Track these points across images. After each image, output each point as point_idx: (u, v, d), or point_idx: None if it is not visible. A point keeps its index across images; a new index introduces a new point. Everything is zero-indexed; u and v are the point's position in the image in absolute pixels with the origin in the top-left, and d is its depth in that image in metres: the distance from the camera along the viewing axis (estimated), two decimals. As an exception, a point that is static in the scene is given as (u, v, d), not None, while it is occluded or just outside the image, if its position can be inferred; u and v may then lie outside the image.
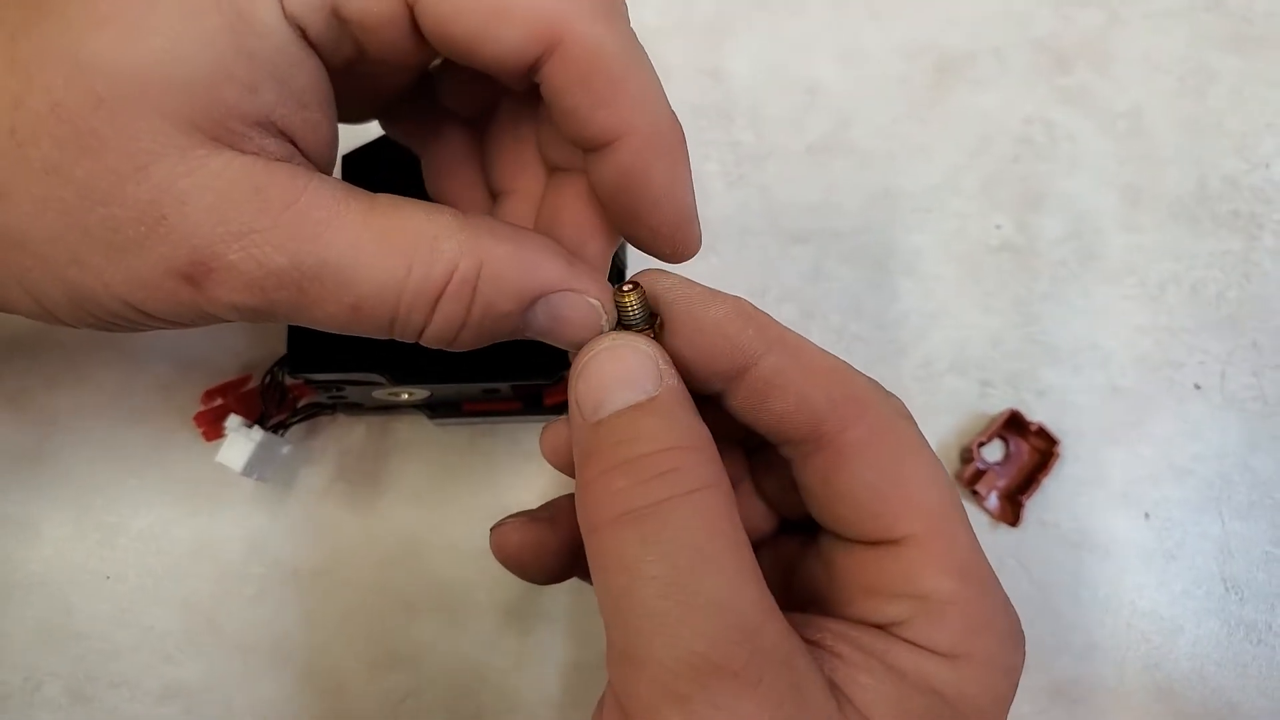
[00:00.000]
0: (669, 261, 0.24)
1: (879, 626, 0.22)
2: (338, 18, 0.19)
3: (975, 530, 0.40)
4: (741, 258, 0.42)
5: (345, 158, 0.32)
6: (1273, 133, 0.45)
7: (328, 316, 0.20)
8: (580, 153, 0.22)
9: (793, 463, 0.24)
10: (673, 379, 0.21)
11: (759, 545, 0.27)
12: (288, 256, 0.19)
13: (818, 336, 0.41)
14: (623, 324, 0.23)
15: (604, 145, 0.21)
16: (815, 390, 0.23)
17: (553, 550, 0.26)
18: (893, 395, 0.24)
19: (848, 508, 0.23)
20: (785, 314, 0.42)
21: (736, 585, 0.19)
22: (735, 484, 0.27)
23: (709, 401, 0.24)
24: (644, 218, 0.22)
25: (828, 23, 0.45)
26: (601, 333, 0.22)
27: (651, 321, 0.23)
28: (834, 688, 0.20)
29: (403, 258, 0.20)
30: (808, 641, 0.21)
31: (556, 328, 0.22)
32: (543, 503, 0.28)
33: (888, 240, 0.43)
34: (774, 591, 0.25)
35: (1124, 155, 0.45)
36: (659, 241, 0.22)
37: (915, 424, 0.24)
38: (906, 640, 0.21)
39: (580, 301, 0.22)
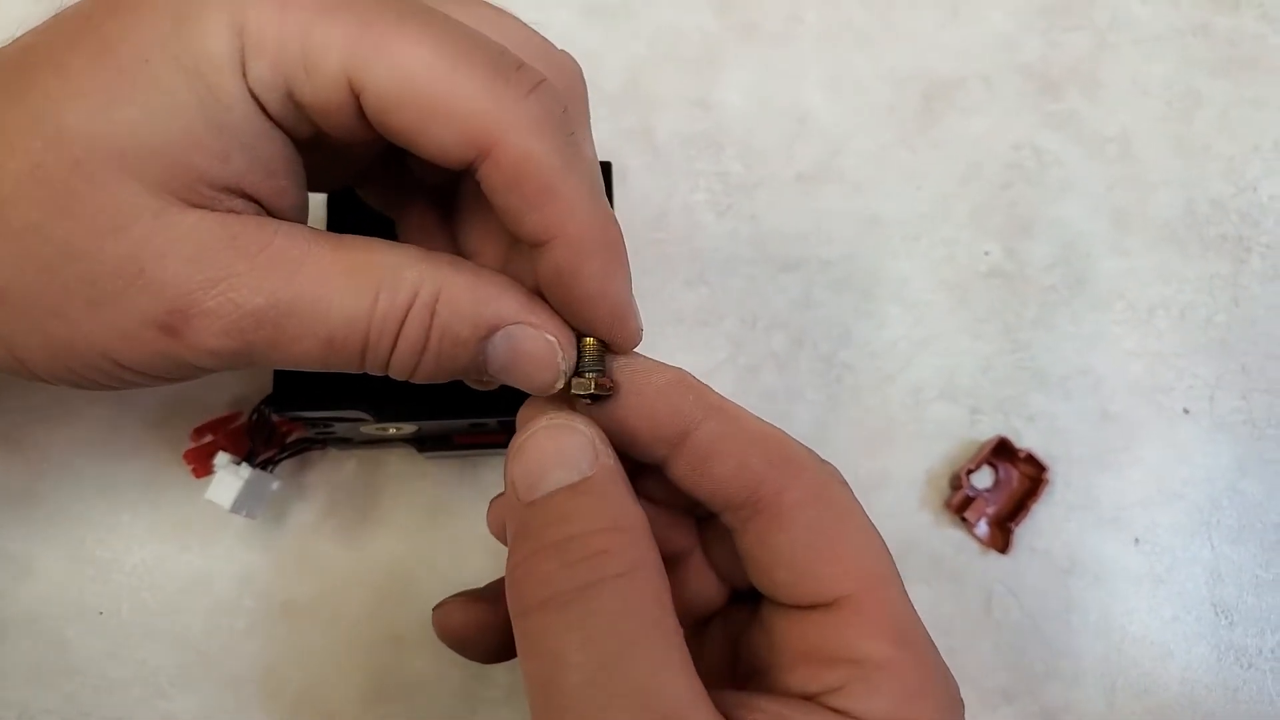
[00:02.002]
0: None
1: (813, 697, 0.22)
2: (292, 100, 0.20)
3: (965, 557, 0.40)
4: (731, 286, 0.42)
5: (330, 195, 0.32)
6: (1260, 155, 0.45)
7: (303, 353, 0.21)
8: None
9: (735, 531, 0.24)
10: (608, 459, 0.22)
11: (710, 617, 0.28)
12: (264, 296, 0.20)
13: (807, 364, 0.42)
14: (580, 370, 0.23)
15: (539, 244, 0.21)
16: (753, 454, 0.23)
17: (494, 630, 0.26)
18: (828, 463, 0.24)
19: (783, 569, 0.23)
20: (775, 342, 0.42)
21: (662, 673, 0.19)
22: (686, 554, 0.27)
23: (657, 473, 0.25)
24: (579, 312, 0.22)
25: (817, 52, 0.45)
26: (560, 372, 0.23)
27: (602, 371, 0.23)
28: None
29: (370, 287, 0.21)
30: None
31: (515, 362, 0.22)
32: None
33: (877, 267, 0.43)
34: (721, 663, 0.25)
35: (1112, 180, 0.45)
36: (598, 333, 0.23)
37: (850, 489, 0.24)
38: (839, 711, 0.21)
39: (537, 336, 0.22)
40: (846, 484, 0.24)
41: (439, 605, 0.27)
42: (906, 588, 0.41)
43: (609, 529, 0.21)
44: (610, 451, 0.22)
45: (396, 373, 0.22)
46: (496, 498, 0.25)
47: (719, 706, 0.20)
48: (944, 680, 0.23)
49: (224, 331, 0.20)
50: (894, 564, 0.23)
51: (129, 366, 0.21)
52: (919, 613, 0.39)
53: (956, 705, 0.23)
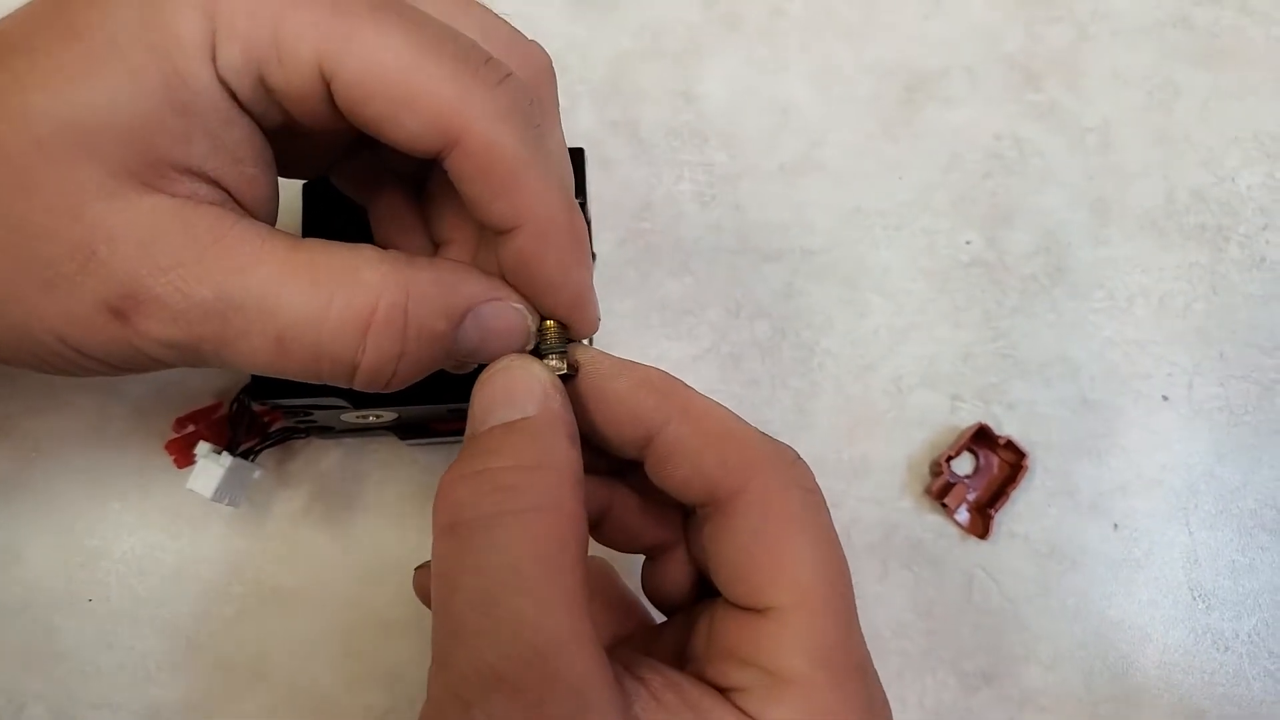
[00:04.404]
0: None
1: (723, 690, 0.22)
2: (263, 86, 0.21)
3: (946, 543, 0.41)
4: (714, 276, 0.43)
5: (305, 185, 0.32)
6: (1239, 146, 0.46)
7: (253, 350, 0.21)
8: None
9: (703, 524, 0.25)
10: (555, 403, 0.22)
11: (682, 606, 0.28)
12: (212, 289, 0.20)
13: (789, 352, 0.42)
14: (543, 352, 0.24)
15: (505, 231, 0.22)
16: (709, 457, 0.23)
17: None
18: (800, 464, 0.24)
19: (725, 570, 0.23)
20: (757, 331, 0.42)
21: (544, 608, 0.20)
22: (671, 546, 0.28)
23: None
24: (541, 298, 0.23)
25: (800, 44, 0.45)
26: (531, 333, 0.23)
27: (564, 352, 0.24)
28: None
29: (324, 289, 0.21)
30: (635, 679, 0.21)
31: (488, 340, 0.23)
32: None
33: (859, 257, 0.43)
34: (673, 649, 0.26)
35: (1093, 170, 0.45)
36: (558, 318, 0.24)
37: (814, 498, 0.24)
38: (739, 708, 0.21)
39: (506, 308, 0.23)
40: (813, 491, 0.24)
41: (420, 566, 0.28)
42: (888, 572, 0.42)
43: (525, 467, 0.21)
44: (559, 397, 0.22)
45: (366, 382, 0.22)
46: None
47: (623, 663, 0.21)
48: (866, 708, 0.22)
49: (171, 320, 0.20)
50: (843, 583, 0.23)
51: (83, 351, 0.21)
52: (903, 598, 0.40)
53: None
